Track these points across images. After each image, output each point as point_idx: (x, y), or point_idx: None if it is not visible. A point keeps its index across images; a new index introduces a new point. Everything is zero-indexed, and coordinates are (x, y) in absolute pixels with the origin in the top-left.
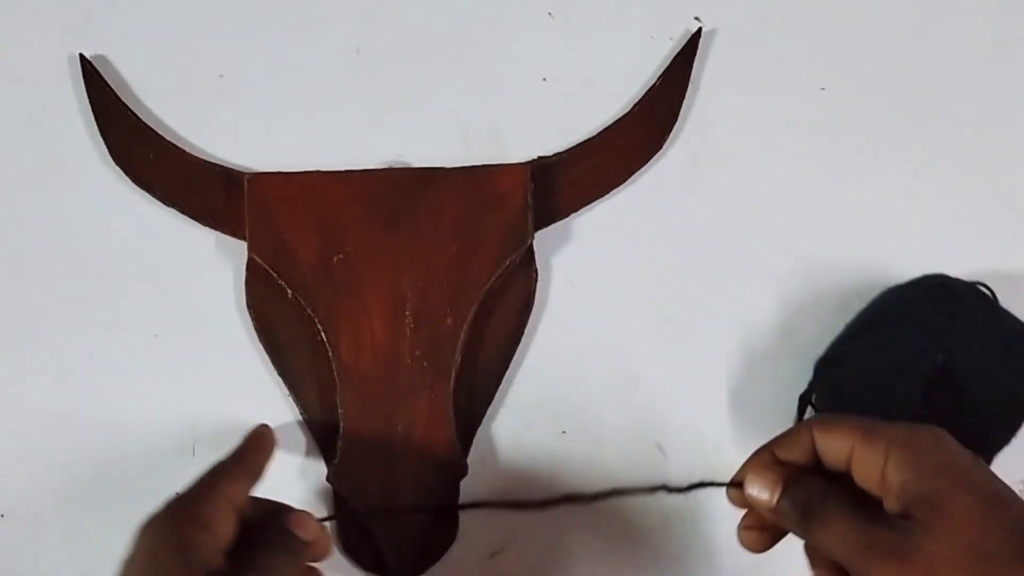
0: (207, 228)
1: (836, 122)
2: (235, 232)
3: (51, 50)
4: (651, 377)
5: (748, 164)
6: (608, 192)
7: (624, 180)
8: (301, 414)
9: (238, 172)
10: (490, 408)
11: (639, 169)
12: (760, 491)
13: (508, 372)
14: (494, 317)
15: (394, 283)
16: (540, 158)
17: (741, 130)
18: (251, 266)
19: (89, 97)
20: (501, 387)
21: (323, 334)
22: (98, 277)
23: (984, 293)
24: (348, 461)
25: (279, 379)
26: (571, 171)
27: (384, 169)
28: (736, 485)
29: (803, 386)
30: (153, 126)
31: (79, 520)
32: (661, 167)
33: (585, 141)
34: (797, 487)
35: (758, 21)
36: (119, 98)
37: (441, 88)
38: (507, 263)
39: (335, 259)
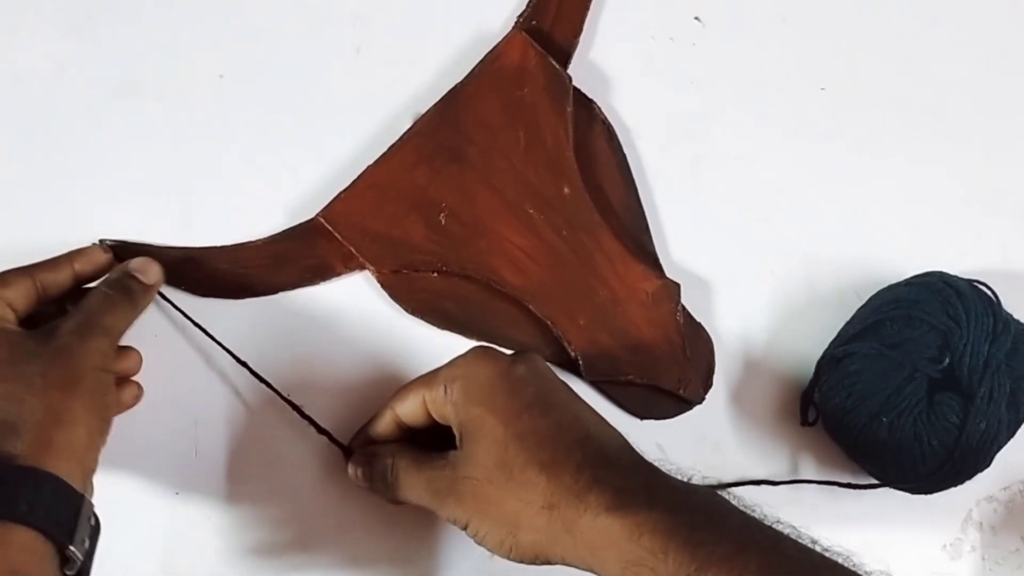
0: (325, 283)
1: (836, 122)
2: (347, 267)
3: (51, 50)
4: None
5: (748, 164)
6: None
7: None
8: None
9: (308, 221)
10: None
11: None
12: (355, 478)
13: None
14: (595, 161)
15: (500, 197)
16: (518, 17)
17: (741, 130)
18: (384, 282)
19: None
20: None
21: (487, 282)
22: None
23: (986, 292)
24: (592, 358)
25: None
26: (550, 9)
27: (415, 123)
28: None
29: (803, 386)
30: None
31: None
32: (661, 167)
33: None
34: (372, 462)
35: (758, 21)
36: (159, 247)
37: (440, 87)
38: (568, 112)
39: (441, 218)
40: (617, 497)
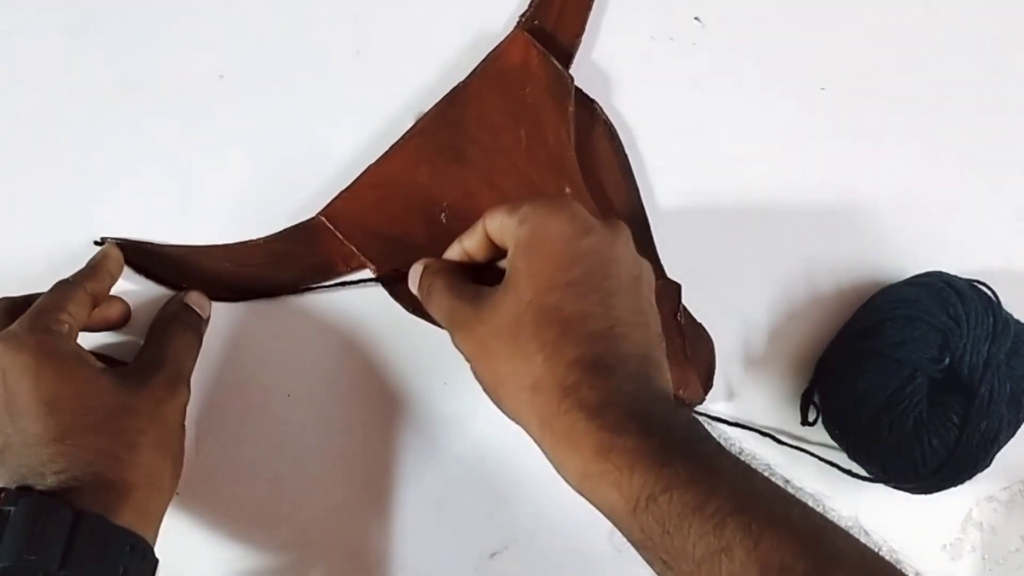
0: (329, 282)
1: (836, 122)
2: (348, 266)
3: (51, 50)
4: None
5: (748, 164)
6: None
7: None
8: None
9: (309, 220)
10: None
11: None
12: (412, 284)
13: None
14: (597, 161)
15: (501, 196)
16: (520, 17)
17: (741, 130)
18: (385, 281)
19: (156, 280)
20: None
21: None
22: None
23: (986, 292)
24: None
25: None
26: (553, 9)
27: (417, 122)
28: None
29: (803, 386)
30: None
31: None
32: (662, 167)
33: None
34: (425, 274)
35: (758, 21)
36: (160, 245)
37: (442, 87)
38: (570, 112)
39: (442, 217)
40: (597, 407)
